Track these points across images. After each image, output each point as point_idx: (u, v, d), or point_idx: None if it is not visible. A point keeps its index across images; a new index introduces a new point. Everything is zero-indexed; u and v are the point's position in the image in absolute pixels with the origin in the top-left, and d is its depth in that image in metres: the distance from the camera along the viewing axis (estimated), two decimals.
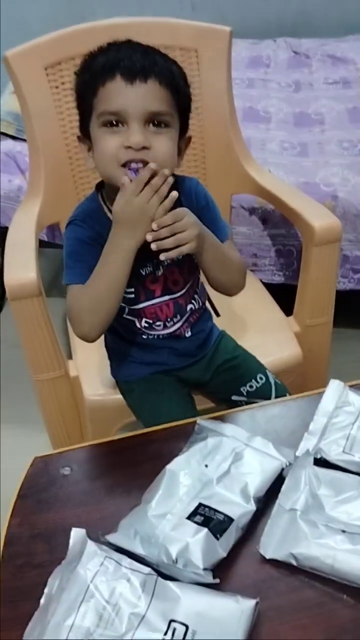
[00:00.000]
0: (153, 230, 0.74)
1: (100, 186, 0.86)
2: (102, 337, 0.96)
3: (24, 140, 1.35)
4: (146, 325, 0.91)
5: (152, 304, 0.89)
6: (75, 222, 0.84)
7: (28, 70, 1.14)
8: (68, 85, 1.18)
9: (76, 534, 0.61)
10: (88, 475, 0.74)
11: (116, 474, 0.74)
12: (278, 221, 1.43)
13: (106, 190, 0.85)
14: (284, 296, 1.25)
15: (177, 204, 0.77)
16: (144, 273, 0.86)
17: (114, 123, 0.75)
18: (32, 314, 0.95)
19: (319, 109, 1.95)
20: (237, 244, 1.47)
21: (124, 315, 0.90)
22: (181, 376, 0.98)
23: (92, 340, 0.83)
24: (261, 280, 1.41)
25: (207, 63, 1.21)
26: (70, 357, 1.14)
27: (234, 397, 0.99)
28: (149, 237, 0.75)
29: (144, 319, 0.90)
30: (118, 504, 0.68)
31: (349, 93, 2.06)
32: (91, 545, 0.60)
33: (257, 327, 1.14)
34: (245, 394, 0.98)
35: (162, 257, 0.75)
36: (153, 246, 0.75)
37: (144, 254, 0.78)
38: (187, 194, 0.87)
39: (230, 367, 1.00)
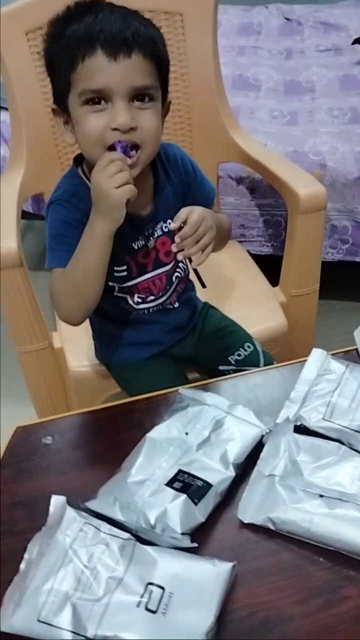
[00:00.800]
0: (176, 242, 0.74)
1: (78, 160, 0.82)
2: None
3: (7, 108, 1.32)
4: (139, 300, 0.89)
5: (145, 279, 0.88)
6: (58, 202, 0.80)
7: (8, 34, 1.11)
8: None
9: (56, 501, 0.61)
10: (70, 444, 0.74)
11: (98, 443, 0.74)
12: (266, 191, 1.42)
13: (88, 166, 0.80)
14: (273, 267, 1.25)
15: (162, 172, 0.76)
16: (136, 247, 0.85)
17: (97, 101, 0.71)
18: (14, 285, 0.94)
19: (310, 77, 1.92)
20: (223, 213, 1.46)
21: (115, 294, 0.88)
22: (174, 354, 0.98)
23: (76, 324, 0.82)
24: (249, 252, 1.40)
25: (192, 28, 1.18)
26: (55, 328, 1.13)
27: (222, 367, 0.99)
28: (174, 248, 0.75)
29: (136, 295, 0.89)
30: (99, 472, 0.69)
31: (340, 60, 2.02)
32: (70, 512, 0.60)
33: (243, 298, 1.14)
34: (233, 362, 0.99)
35: (193, 265, 0.75)
36: (179, 256, 0.75)
37: (137, 227, 0.76)
38: (174, 161, 0.86)
39: (218, 337, 1.00)
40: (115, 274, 0.84)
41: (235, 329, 1.02)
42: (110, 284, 0.85)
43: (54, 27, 0.73)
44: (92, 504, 0.62)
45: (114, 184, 0.70)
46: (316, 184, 1.05)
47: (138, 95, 0.71)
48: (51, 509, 0.61)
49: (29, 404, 1.13)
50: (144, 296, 0.89)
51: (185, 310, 0.96)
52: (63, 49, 0.70)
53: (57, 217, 0.79)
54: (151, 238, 0.85)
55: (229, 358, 0.99)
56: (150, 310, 0.92)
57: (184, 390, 0.76)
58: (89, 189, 0.75)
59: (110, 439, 0.75)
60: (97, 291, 0.78)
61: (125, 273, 0.85)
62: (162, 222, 0.86)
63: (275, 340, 1.07)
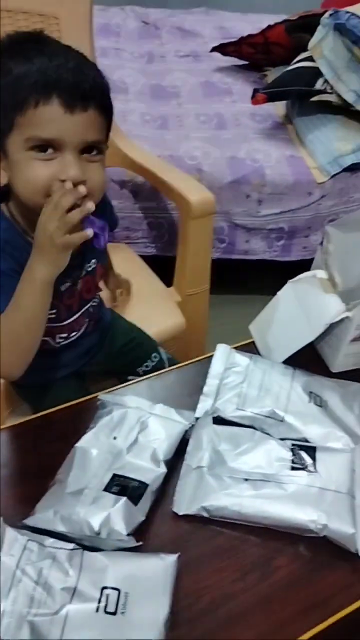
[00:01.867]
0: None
1: (1, 199, 0.75)
2: None
3: None
4: (60, 340, 0.88)
5: (71, 320, 0.86)
6: None
7: None
8: None
9: None
10: None
11: (24, 459, 0.73)
12: (149, 194, 1.46)
13: (17, 207, 0.74)
14: (158, 267, 1.29)
15: None
16: (63, 289, 0.81)
17: (43, 148, 0.66)
18: None
19: (174, 82, 2.00)
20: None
21: None
22: (85, 370, 0.98)
23: (15, 378, 0.76)
24: None
25: (68, 32, 1.18)
26: None
27: (130, 377, 1.01)
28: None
29: (57, 336, 0.87)
30: (30, 487, 0.68)
31: (200, 66, 2.13)
32: (10, 532, 0.59)
33: (140, 299, 1.17)
34: (141, 373, 1.01)
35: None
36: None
37: (65, 270, 0.71)
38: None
39: (126, 352, 1.02)
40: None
41: (142, 341, 1.04)
42: None
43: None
44: (31, 521, 0.62)
45: (62, 230, 0.66)
46: (205, 190, 1.11)
47: (87, 148, 0.68)
48: None
49: None
50: (66, 334, 0.88)
51: (98, 333, 0.97)
52: (11, 88, 0.65)
53: None
54: (79, 280, 0.84)
55: (137, 369, 1.02)
56: (65, 343, 0.91)
57: (104, 396, 0.77)
58: (19, 234, 0.71)
59: (35, 453, 0.74)
60: (38, 339, 0.74)
61: (54, 316, 0.83)
62: (86, 263, 0.85)
63: (174, 338, 1.12)
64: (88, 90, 0.65)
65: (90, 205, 0.68)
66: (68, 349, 0.92)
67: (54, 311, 0.82)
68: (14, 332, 0.71)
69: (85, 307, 0.89)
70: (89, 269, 0.86)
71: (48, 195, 0.67)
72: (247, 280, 1.78)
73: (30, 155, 0.67)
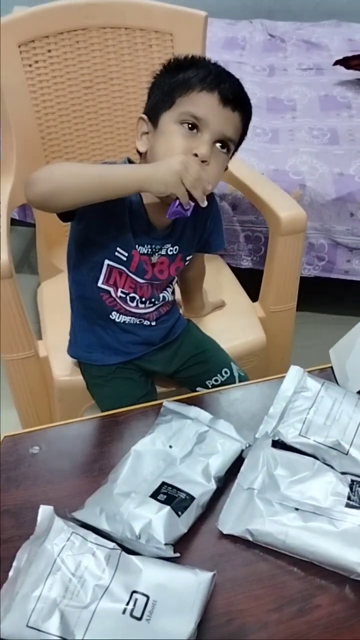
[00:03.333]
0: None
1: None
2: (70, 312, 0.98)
3: None
4: (122, 295, 0.92)
5: (137, 280, 0.91)
6: None
7: (1, 46, 1.12)
8: (41, 64, 1.17)
9: (44, 510, 0.63)
10: (56, 454, 0.76)
11: (83, 454, 0.77)
12: (247, 208, 1.46)
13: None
14: (252, 281, 1.29)
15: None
16: (140, 252, 0.89)
17: (190, 126, 0.80)
18: (4, 296, 0.96)
19: (292, 95, 1.97)
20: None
21: (100, 284, 0.90)
22: (144, 366, 1.00)
23: (29, 191, 0.77)
24: (229, 265, 1.44)
25: (182, 47, 1.21)
26: (40, 337, 1.15)
27: (199, 389, 1.02)
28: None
29: (120, 290, 0.91)
30: (85, 482, 0.71)
31: (321, 80, 2.08)
32: (58, 522, 0.63)
33: (223, 311, 1.18)
34: (210, 387, 1.02)
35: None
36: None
37: (150, 236, 0.86)
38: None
39: (196, 363, 1.03)
40: (116, 253, 0.87)
41: (213, 354, 1.05)
42: (108, 261, 0.88)
43: (177, 61, 0.85)
44: (79, 515, 0.65)
45: (186, 170, 0.74)
46: (297, 207, 1.09)
47: (221, 141, 0.82)
48: (39, 518, 0.63)
49: (11, 409, 1.15)
50: (127, 291, 0.92)
51: (160, 330, 0.99)
52: (182, 77, 0.81)
53: None
54: (156, 254, 0.91)
55: (207, 382, 1.02)
56: (127, 322, 0.95)
57: (167, 404, 0.79)
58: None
59: (95, 450, 0.77)
60: (82, 191, 0.76)
61: (125, 258, 0.88)
62: (169, 245, 0.92)
63: (253, 354, 1.11)
64: (241, 99, 0.83)
65: (210, 187, 0.78)
66: (125, 331, 0.96)
67: (126, 254, 0.88)
68: (86, 175, 0.77)
69: (154, 284, 0.93)
70: (170, 252, 0.92)
71: None
72: (345, 301, 1.72)
73: (180, 129, 0.80)
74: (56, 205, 0.78)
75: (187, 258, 0.97)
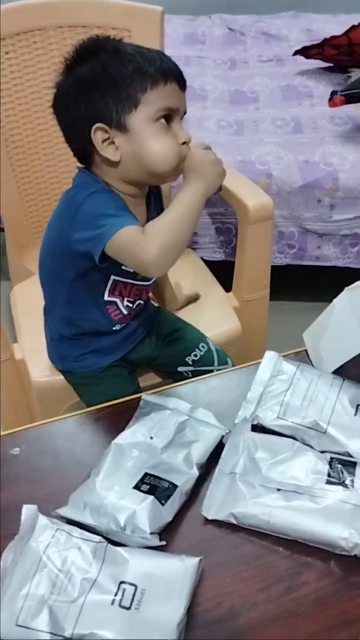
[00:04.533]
0: None
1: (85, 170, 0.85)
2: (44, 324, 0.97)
3: None
4: (128, 305, 0.93)
5: (143, 284, 0.92)
6: (100, 191, 0.82)
7: None
8: None
9: (27, 510, 0.63)
10: (37, 454, 0.76)
11: (65, 451, 0.77)
12: (216, 200, 1.47)
13: (108, 173, 0.83)
14: (225, 272, 1.30)
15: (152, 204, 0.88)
16: None
17: (166, 118, 0.80)
18: None
19: (254, 87, 1.99)
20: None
21: (106, 298, 0.90)
22: (132, 358, 1.01)
23: (160, 270, 0.79)
24: (202, 258, 1.45)
25: (140, 43, 1.20)
26: (15, 340, 1.14)
27: (180, 368, 1.04)
28: None
29: (126, 299, 0.92)
30: (67, 479, 0.71)
31: (282, 70, 2.10)
32: (42, 519, 0.62)
33: (197, 304, 1.18)
34: (190, 363, 1.04)
35: None
36: None
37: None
38: (157, 193, 0.95)
39: (174, 339, 1.05)
40: (123, 267, 0.86)
41: (188, 330, 1.07)
42: (114, 277, 0.88)
43: (116, 53, 0.79)
44: (63, 511, 0.65)
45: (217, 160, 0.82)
46: (263, 195, 1.10)
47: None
48: (23, 517, 0.62)
49: None
50: (133, 299, 0.93)
51: (145, 316, 1.01)
52: (139, 72, 0.78)
53: (106, 199, 0.81)
54: None
55: (186, 359, 1.04)
56: (125, 325, 0.95)
57: (147, 396, 0.79)
58: (117, 194, 0.83)
59: (76, 447, 0.77)
60: (188, 239, 0.81)
61: (132, 270, 0.87)
62: None
63: (230, 343, 1.12)
64: (183, 76, 0.83)
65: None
66: (122, 331, 0.97)
67: (132, 270, 0.87)
68: (178, 221, 0.78)
69: (149, 283, 0.95)
70: None
71: (181, 159, 0.81)
72: (317, 288, 1.74)
73: (157, 127, 0.79)
74: (179, 252, 0.80)
75: None
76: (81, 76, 0.79)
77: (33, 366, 1.06)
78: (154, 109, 0.78)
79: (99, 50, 0.79)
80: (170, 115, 0.80)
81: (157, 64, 0.79)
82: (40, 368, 1.05)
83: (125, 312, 0.94)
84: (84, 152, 0.83)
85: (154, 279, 0.96)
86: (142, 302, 0.95)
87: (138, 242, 0.75)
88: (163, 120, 0.79)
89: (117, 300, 0.91)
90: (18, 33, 1.16)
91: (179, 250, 0.78)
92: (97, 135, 0.79)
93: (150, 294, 1.09)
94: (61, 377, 1.03)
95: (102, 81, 0.78)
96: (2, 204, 1.27)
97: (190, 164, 0.81)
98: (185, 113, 0.84)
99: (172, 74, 0.80)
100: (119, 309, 0.93)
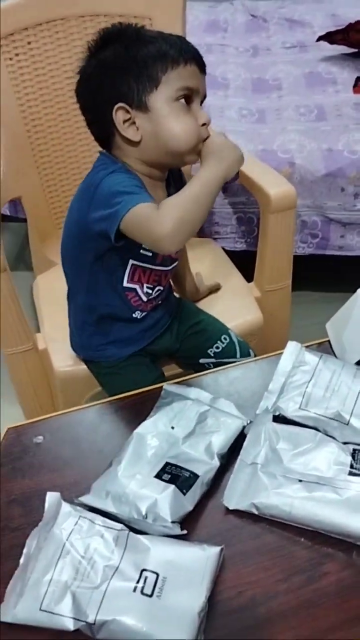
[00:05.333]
0: None
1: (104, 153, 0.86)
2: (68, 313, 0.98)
3: None
4: (148, 291, 0.93)
5: (161, 271, 0.92)
6: (119, 170, 0.83)
7: None
8: (22, 57, 1.17)
9: (51, 497, 0.64)
10: (60, 442, 0.77)
11: (87, 440, 0.77)
12: (237, 189, 1.46)
13: (129, 155, 0.84)
14: (247, 263, 1.29)
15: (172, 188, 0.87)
16: None
17: (186, 99, 0.81)
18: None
19: (277, 74, 1.96)
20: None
21: (125, 284, 0.91)
22: (153, 350, 1.01)
23: (174, 245, 0.77)
24: (224, 248, 1.44)
25: (161, 29, 1.20)
26: (38, 330, 1.15)
27: (202, 360, 1.04)
28: None
29: (145, 285, 0.92)
30: (90, 468, 0.72)
31: (305, 57, 2.06)
32: (66, 507, 0.63)
33: (219, 294, 1.18)
34: (212, 355, 1.04)
35: None
36: None
37: None
38: (178, 175, 0.95)
39: (196, 332, 1.05)
40: (142, 251, 0.87)
41: (210, 322, 1.07)
42: (133, 261, 0.88)
43: (138, 33, 0.82)
44: (86, 499, 0.65)
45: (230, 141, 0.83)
46: (286, 184, 1.09)
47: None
48: (47, 505, 0.64)
49: (14, 404, 1.16)
50: (152, 285, 0.93)
51: (164, 308, 1.01)
52: (159, 53, 0.79)
53: (123, 178, 0.81)
54: None
55: (208, 351, 1.04)
56: (146, 314, 0.96)
57: (168, 386, 0.79)
58: (135, 174, 0.84)
59: (99, 436, 0.78)
60: (205, 217, 0.80)
61: (150, 254, 0.89)
62: None
63: (252, 334, 1.11)
64: (204, 63, 0.84)
65: None
66: (140, 322, 0.97)
67: (150, 252, 0.88)
68: (195, 197, 0.78)
69: (172, 267, 0.95)
70: None
71: (200, 139, 0.82)
72: (340, 278, 1.72)
73: (177, 107, 0.80)
74: (186, 237, 0.79)
75: None
76: (104, 59, 0.81)
77: (56, 356, 1.07)
78: (174, 88, 0.80)
79: (121, 35, 0.81)
80: (190, 97, 0.81)
81: (177, 46, 0.80)
82: (63, 358, 1.06)
83: (144, 298, 0.94)
84: (106, 134, 0.84)
85: (174, 264, 0.96)
86: (161, 288, 0.95)
87: (152, 216, 0.75)
88: (183, 101, 0.81)
89: (137, 287, 0.92)
90: (40, 23, 1.16)
91: (194, 226, 0.78)
92: (119, 115, 0.81)
93: (172, 285, 1.09)
94: (84, 366, 1.04)
95: (124, 62, 0.79)
96: (24, 195, 1.28)
97: (210, 148, 0.82)
98: (205, 96, 0.85)
99: (192, 57, 0.81)
100: (139, 296, 0.93)
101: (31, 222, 1.37)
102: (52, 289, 1.19)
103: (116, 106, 0.80)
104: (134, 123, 0.81)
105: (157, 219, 0.75)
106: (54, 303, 1.06)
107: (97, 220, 0.80)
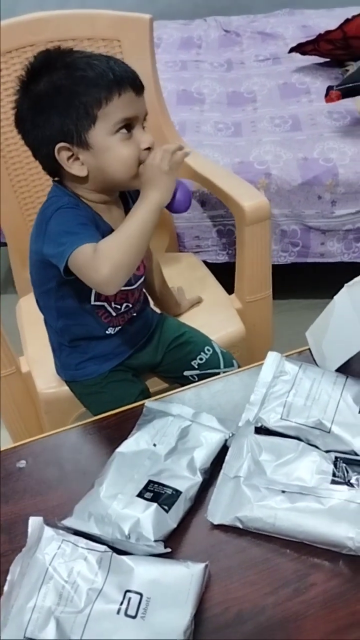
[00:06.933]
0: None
1: (58, 182, 0.87)
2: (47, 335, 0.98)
3: None
4: (116, 307, 0.94)
5: (127, 290, 0.93)
6: (66, 206, 0.83)
7: None
8: None
9: (34, 522, 0.63)
10: (43, 466, 0.76)
11: (71, 462, 0.77)
12: (215, 203, 1.47)
13: (79, 186, 0.85)
14: (231, 274, 1.29)
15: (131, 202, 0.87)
16: None
17: (126, 129, 0.81)
18: None
19: (251, 87, 1.99)
20: (178, 227, 1.51)
21: (93, 302, 0.91)
22: (133, 363, 1.01)
23: (112, 288, 0.80)
24: (206, 261, 1.45)
25: (130, 52, 1.22)
26: (22, 353, 1.15)
27: (186, 373, 1.04)
28: None
29: (112, 302, 0.93)
30: (74, 490, 0.71)
31: (279, 69, 2.10)
32: (48, 531, 0.63)
33: (200, 307, 1.18)
34: (196, 367, 1.04)
35: None
36: None
37: None
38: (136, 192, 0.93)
39: (178, 345, 1.05)
40: None
41: (193, 334, 1.08)
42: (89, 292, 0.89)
43: (66, 70, 0.79)
44: (68, 522, 0.65)
45: (168, 163, 0.80)
46: (259, 196, 1.10)
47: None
48: (29, 530, 0.63)
49: (2, 426, 1.15)
50: (120, 303, 0.94)
51: (143, 319, 1.01)
52: (92, 88, 0.78)
53: (70, 216, 0.83)
54: None
55: (192, 363, 1.04)
56: (120, 328, 0.96)
57: (149, 403, 0.79)
58: (87, 206, 0.85)
59: (82, 457, 0.77)
60: (141, 255, 0.82)
61: None
62: None
63: (234, 345, 1.12)
64: (139, 81, 0.83)
65: (189, 151, 0.85)
66: (116, 336, 0.98)
67: None
68: (127, 238, 0.79)
69: (139, 284, 0.96)
70: None
71: (137, 165, 0.82)
72: (321, 285, 1.73)
73: (118, 138, 0.80)
74: (131, 270, 0.81)
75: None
76: (36, 96, 0.80)
77: (39, 378, 1.07)
78: (112, 122, 0.79)
79: (50, 66, 0.80)
80: (130, 124, 0.81)
81: (108, 76, 0.78)
82: (47, 380, 1.06)
83: (114, 314, 0.94)
84: (53, 168, 0.85)
85: (139, 282, 0.96)
86: (129, 305, 0.95)
87: (89, 262, 0.78)
88: (124, 130, 0.80)
89: (105, 304, 0.92)
90: (10, 50, 1.17)
91: (130, 268, 0.80)
92: (62, 155, 0.81)
93: (153, 301, 1.10)
94: (67, 387, 1.03)
95: (57, 101, 0.79)
96: (3, 220, 1.29)
97: (144, 178, 0.82)
98: (146, 115, 0.84)
99: (126, 82, 0.79)
100: (108, 312, 0.94)
101: (11, 246, 1.37)
102: (34, 311, 1.18)
103: (57, 146, 0.80)
104: (78, 159, 0.81)
105: (94, 265, 0.77)
106: (37, 326, 1.05)
107: (50, 256, 0.82)
